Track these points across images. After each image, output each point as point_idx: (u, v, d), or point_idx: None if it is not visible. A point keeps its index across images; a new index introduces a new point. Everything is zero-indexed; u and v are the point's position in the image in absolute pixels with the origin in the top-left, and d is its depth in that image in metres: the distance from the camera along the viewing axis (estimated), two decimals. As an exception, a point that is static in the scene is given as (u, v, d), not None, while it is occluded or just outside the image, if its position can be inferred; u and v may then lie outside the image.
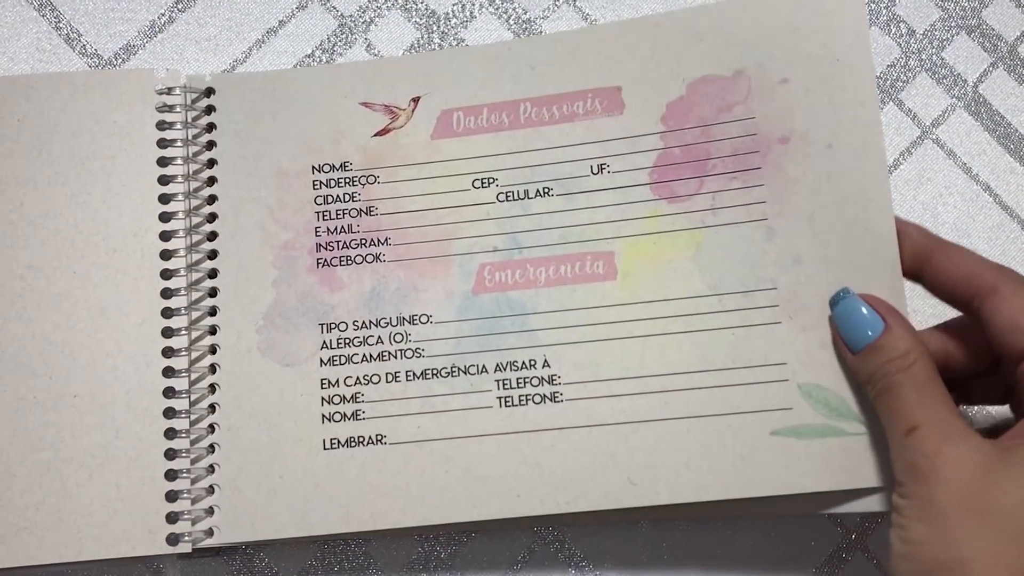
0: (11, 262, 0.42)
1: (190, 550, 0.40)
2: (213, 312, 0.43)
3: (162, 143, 0.44)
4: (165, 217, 0.43)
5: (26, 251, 0.42)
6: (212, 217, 0.44)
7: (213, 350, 0.43)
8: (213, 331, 0.43)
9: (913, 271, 0.39)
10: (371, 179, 0.44)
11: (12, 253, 0.42)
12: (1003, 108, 0.49)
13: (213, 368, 0.42)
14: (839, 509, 0.40)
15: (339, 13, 0.49)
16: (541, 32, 0.49)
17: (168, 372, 0.42)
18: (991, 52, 0.49)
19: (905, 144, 0.48)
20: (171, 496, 0.41)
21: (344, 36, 0.48)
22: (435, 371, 0.42)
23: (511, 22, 0.49)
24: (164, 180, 0.44)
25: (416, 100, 0.45)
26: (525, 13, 0.49)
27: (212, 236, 0.44)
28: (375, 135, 0.44)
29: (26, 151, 0.43)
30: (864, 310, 0.38)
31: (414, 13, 0.49)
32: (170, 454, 0.41)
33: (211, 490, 0.41)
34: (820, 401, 0.40)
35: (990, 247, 0.47)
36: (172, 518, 0.41)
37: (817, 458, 0.39)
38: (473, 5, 0.49)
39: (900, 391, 0.36)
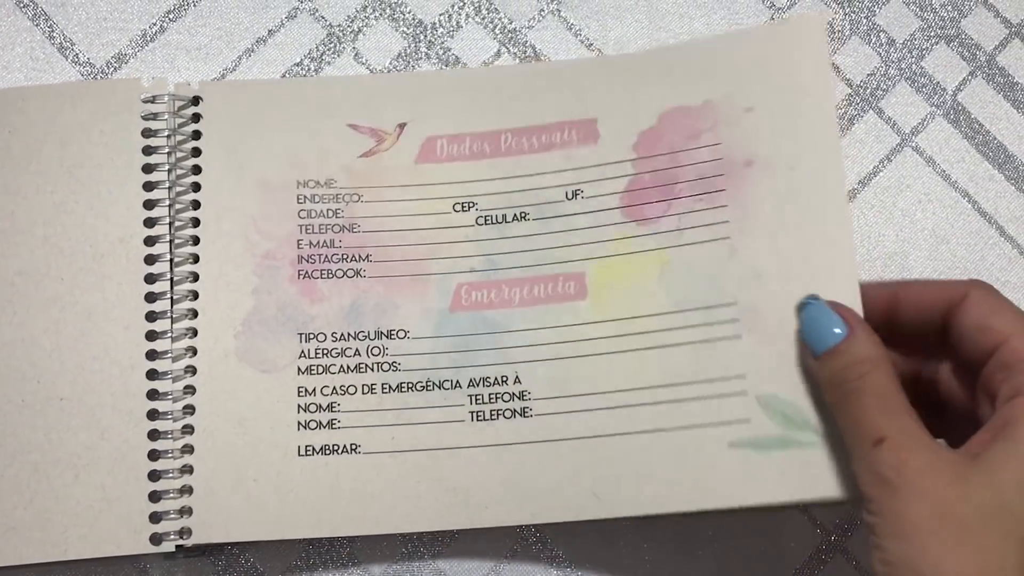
0: (3, 269, 0.43)
1: (173, 549, 0.41)
2: (195, 315, 0.44)
3: (147, 150, 0.45)
4: (150, 222, 0.44)
5: (17, 258, 0.43)
6: (196, 222, 0.44)
7: (193, 352, 0.43)
8: (194, 334, 0.44)
9: (885, 316, 0.40)
10: (355, 198, 0.45)
11: (3, 261, 0.43)
12: (982, 116, 0.49)
13: (192, 370, 0.43)
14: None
15: (327, 23, 0.49)
16: (527, 42, 0.49)
17: (152, 375, 0.43)
18: (970, 61, 0.50)
19: (885, 152, 0.49)
20: (154, 496, 0.41)
21: (332, 45, 0.49)
22: (410, 385, 0.43)
23: (497, 31, 0.50)
24: (149, 186, 0.44)
25: (402, 126, 0.46)
26: (511, 23, 0.50)
27: (195, 241, 0.44)
28: (361, 156, 0.46)
29: (16, 162, 0.44)
30: (831, 315, 0.38)
31: (401, 23, 0.50)
32: (153, 455, 0.42)
33: (187, 490, 0.42)
34: (777, 412, 0.41)
35: (969, 253, 0.48)
36: (155, 518, 0.41)
37: (775, 469, 0.40)
38: (459, 15, 0.50)
39: (862, 398, 0.35)
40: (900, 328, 0.40)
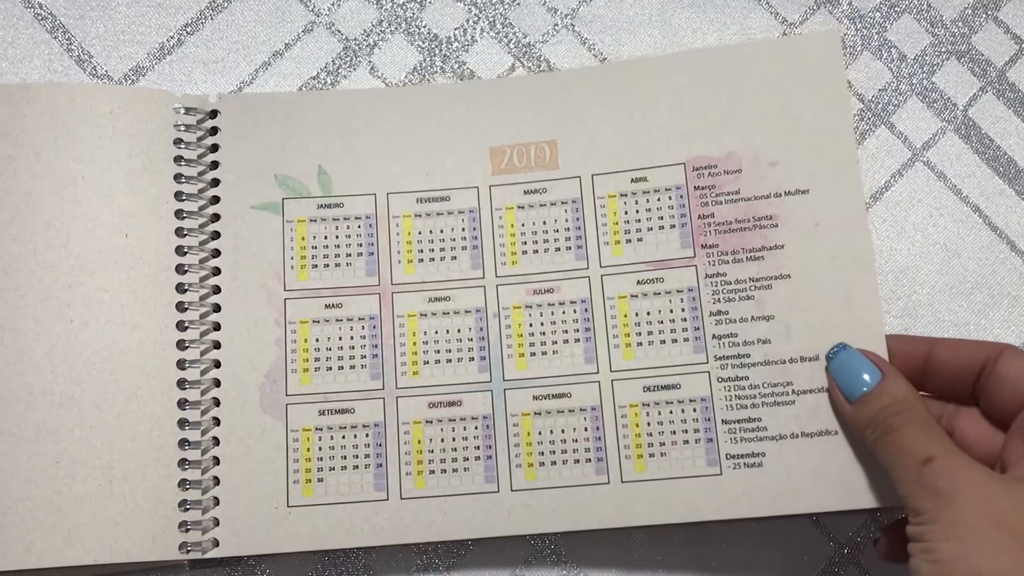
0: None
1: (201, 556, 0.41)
2: (216, 328, 0.44)
3: (178, 160, 0.45)
4: (179, 232, 0.44)
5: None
6: (216, 235, 0.45)
7: (217, 365, 0.44)
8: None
9: (919, 369, 0.42)
10: None
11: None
12: (992, 131, 0.50)
13: (217, 381, 0.44)
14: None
15: (344, 37, 0.50)
16: (541, 56, 0.50)
17: (182, 391, 0.43)
18: (980, 77, 0.50)
19: (896, 166, 0.49)
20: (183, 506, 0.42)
21: (348, 59, 0.49)
22: None
23: (511, 46, 0.50)
24: (180, 196, 0.45)
25: None
26: (525, 37, 0.50)
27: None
28: None
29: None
30: (862, 360, 0.41)
31: (417, 37, 0.50)
32: (183, 464, 0.43)
33: (214, 502, 0.42)
34: None
35: (980, 267, 0.48)
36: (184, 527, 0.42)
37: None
38: (474, 29, 0.50)
39: (907, 429, 0.38)
40: (932, 380, 0.43)
